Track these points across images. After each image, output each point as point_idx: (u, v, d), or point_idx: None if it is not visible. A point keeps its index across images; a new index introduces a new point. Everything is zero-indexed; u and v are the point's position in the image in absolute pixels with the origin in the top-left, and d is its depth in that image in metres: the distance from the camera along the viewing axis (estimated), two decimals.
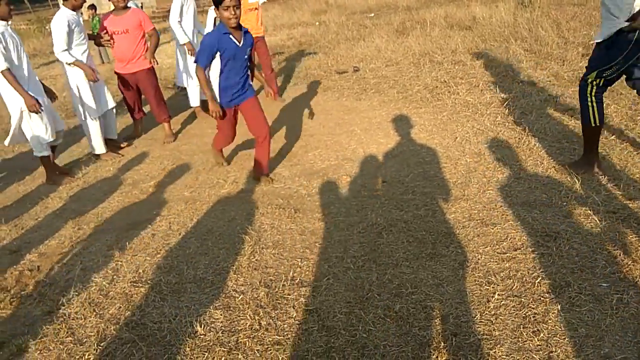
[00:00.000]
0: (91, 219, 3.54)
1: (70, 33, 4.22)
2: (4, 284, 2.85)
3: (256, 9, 5.83)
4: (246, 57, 3.52)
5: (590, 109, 3.14)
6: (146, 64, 4.88)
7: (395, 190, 3.41)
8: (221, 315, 2.34)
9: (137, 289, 2.61)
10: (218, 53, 3.39)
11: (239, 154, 4.49)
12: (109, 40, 4.66)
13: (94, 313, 2.45)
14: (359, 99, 5.75)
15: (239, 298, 2.44)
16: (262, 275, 2.62)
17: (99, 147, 4.72)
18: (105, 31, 4.68)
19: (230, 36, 3.35)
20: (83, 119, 4.57)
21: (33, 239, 3.36)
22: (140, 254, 2.98)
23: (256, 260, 2.77)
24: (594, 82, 3.09)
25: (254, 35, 5.84)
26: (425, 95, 5.42)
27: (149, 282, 2.66)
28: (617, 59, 2.88)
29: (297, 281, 2.53)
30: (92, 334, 2.30)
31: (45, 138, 4.12)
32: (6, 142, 4.23)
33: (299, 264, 2.68)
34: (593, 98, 3.13)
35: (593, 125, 3.16)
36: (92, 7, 12.00)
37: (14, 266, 3.02)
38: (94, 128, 4.63)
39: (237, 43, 3.38)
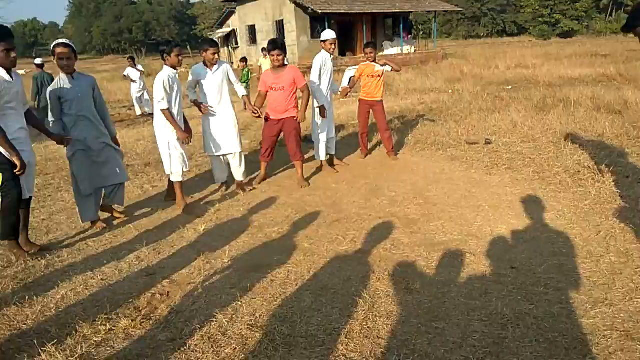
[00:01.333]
0: (219, 255, 3.78)
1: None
2: (137, 304, 3.13)
3: (379, 76, 6.08)
4: None
5: None
6: (293, 112, 5.38)
7: (525, 279, 3.16)
8: None
9: (252, 333, 2.70)
10: None
11: (359, 213, 4.53)
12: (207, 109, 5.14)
13: (212, 349, 2.57)
14: (489, 173, 5.55)
15: None
16: (373, 345, 2.56)
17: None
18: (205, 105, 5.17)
19: None
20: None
21: (167, 265, 3.67)
22: (259, 298, 3.10)
23: (368, 327, 2.72)
24: None
25: (370, 99, 6.05)
26: (565, 178, 5.06)
27: (263, 328, 2.74)
28: None
29: (410, 359, 2.42)
30: None
31: (181, 167, 4.83)
32: (166, 170, 4.93)
33: (413, 340, 2.58)
34: None
35: None
36: (244, 59, 13.40)
37: (148, 288, 3.32)
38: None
39: None
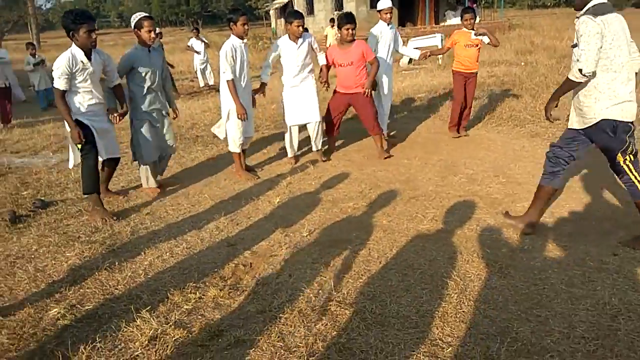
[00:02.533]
0: (297, 229, 3.74)
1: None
2: (222, 273, 3.14)
3: (477, 45, 5.73)
4: None
5: None
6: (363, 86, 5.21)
7: (631, 267, 2.92)
8: None
9: (341, 309, 2.65)
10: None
11: (436, 190, 4.36)
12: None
13: (302, 324, 2.53)
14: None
15: (447, 350, 2.29)
16: (471, 330, 2.43)
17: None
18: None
19: None
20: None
21: (246, 237, 3.67)
22: (343, 274, 3.03)
23: (463, 311, 2.59)
24: None
25: (467, 71, 5.76)
26: None
27: (353, 305, 2.68)
28: None
29: (514, 348, 2.29)
30: (301, 344, 2.37)
31: (237, 139, 4.85)
32: (220, 136, 5.06)
33: (514, 327, 2.43)
34: None
35: None
36: (305, 30, 13.25)
37: (231, 259, 3.33)
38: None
39: None
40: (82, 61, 3.88)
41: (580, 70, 2.95)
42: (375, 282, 2.93)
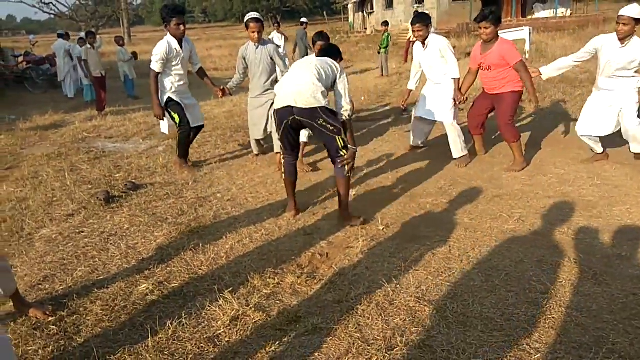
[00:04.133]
0: (374, 222, 3.70)
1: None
2: (299, 261, 3.18)
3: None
4: None
5: None
6: (513, 86, 4.53)
7: None
8: None
9: (420, 306, 2.58)
10: None
11: (523, 190, 4.13)
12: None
13: (380, 317, 2.50)
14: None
15: (536, 356, 2.16)
16: (562, 338, 2.28)
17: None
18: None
19: None
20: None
21: (323, 227, 3.69)
22: (422, 271, 2.96)
23: (553, 317, 2.43)
24: None
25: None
26: None
27: (432, 302, 2.60)
28: None
29: (610, 359, 2.12)
30: (379, 338, 2.34)
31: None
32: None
33: (610, 338, 2.25)
34: None
35: None
36: (385, 23, 13.10)
37: (307, 248, 3.36)
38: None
39: None
40: (175, 48, 4.73)
41: None
42: (456, 280, 2.83)
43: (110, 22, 40.77)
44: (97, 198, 4.33)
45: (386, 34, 12.55)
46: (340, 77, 3.60)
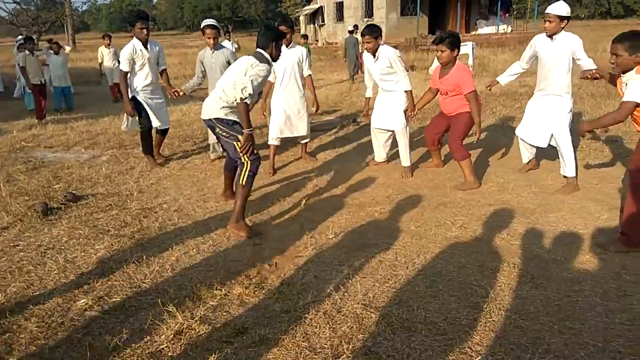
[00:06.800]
0: (322, 231, 3.72)
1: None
2: (248, 272, 3.14)
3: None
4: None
5: None
6: (467, 107, 4.53)
7: None
8: None
9: (367, 312, 2.61)
10: None
11: (465, 198, 4.28)
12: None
13: (328, 325, 2.50)
14: (612, 164, 5.04)
15: (477, 359, 2.23)
16: (501, 340, 2.36)
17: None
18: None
19: None
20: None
21: (272, 236, 3.67)
22: (369, 278, 3.00)
23: (493, 321, 2.52)
24: None
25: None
26: None
27: (379, 309, 2.64)
28: None
29: (546, 359, 2.21)
30: (326, 346, 2.34)
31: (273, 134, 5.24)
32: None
33: (546, 339, 2.36)
34: None
35: None
36: (305, 36, 13.65)
37: (256, 258, 3.32)
38: None
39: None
40: (140, 50, 5.08)
41: None
42: (402, 286, 2.88)
43: (53, 28, 39.13)
44: (34, 210, 4.12)
45: (305, 46, 12.91)
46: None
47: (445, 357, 2.25)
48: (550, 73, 4.37)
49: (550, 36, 4.30)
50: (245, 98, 3.56)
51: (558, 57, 4.28)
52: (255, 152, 3.69)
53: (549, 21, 4.23)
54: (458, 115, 4.64)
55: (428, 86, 5.06)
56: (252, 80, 3.55)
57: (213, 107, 3.72)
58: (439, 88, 4.71)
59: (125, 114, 5.41)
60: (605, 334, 2.38)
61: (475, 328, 2.46)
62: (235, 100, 3.60)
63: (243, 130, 3.60)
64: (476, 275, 2.98)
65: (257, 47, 3.74)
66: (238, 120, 3.71)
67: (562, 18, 4.18)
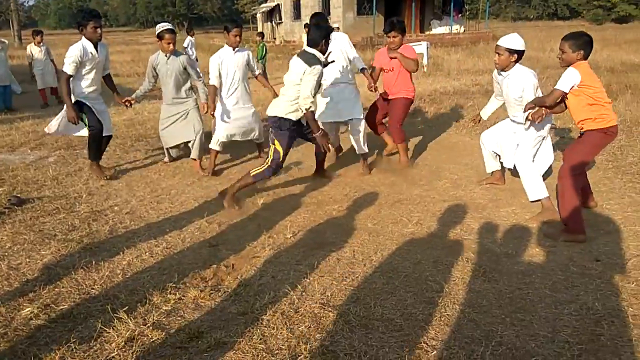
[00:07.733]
0: (280, 230, 3.69)
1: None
2: (203, 274, 3.07)
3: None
4: None
5: None
6: (405, 94, 5.00)
7: (613, 273, 2.94)
8: None
9: (325, 311, 2.60)
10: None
11: (421, 195, 4.36)
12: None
13: (285, 326, 2.48)
14: (558, 159, 5.23)
15: (432, 353, 2.26)
16: (456, 334, 2.41)
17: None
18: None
19: None
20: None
21: (229, 238, 3.60)
22: (327, 276, 2.99)
23: (447, 315, 2.57)
24: None
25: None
26: None
27: (336, 307, 2.64)
28: None
29: (498, 351, 2.27)
30: (283, 347, 2.32)
31: (221, 138, 5.01)
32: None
33: (499, 331, 2.42)
34: None
35: None
36: (261, 34, 13.74)
37: (212, 260, 3.26)
38: None
39: None
40: (91, 52, 4.58)
41: None
42: (359, 284, 2.90)
43: None
44: None
45: (262, 44, 12.88)
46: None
47: (402, 353, 2.27)
48: (509, 105, 4.12)
49: (500, 70, 3.98)
50: (310, 107, 3.80)
51: (509, 93, 3.97)
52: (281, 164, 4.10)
53: (498, 54, 3.87)
54: (396, 100, 5.03)
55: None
56: (309, 87, 3.77)
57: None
58: (384, 68, 5.05)
59: (56, 117, 4.82)
60: (554, 325, 2.47)
61: (431, 323, 2.50)
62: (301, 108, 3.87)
63: (315, 135, 3.92)
64: (431, 271, 3.03)
65: (308, 44, 3.90)
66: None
67: (511, 51, 3.79)
